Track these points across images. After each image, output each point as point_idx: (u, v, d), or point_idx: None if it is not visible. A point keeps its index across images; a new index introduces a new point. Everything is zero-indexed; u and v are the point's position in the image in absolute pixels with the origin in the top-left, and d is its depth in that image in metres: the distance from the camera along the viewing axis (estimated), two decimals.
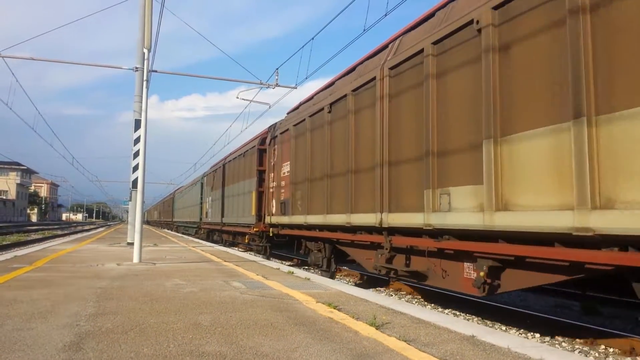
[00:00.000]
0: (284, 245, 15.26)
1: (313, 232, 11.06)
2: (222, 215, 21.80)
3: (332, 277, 10.82)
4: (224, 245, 20.77)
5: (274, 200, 13.78)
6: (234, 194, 19.49)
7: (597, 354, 5.85)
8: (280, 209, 12.98)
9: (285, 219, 12.59)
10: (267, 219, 14.29)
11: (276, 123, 14.50)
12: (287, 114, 13.87)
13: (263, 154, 15.92)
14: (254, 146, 16.60)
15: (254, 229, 15.76)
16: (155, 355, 3.37)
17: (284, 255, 18.60)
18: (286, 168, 12.71)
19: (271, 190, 14.04)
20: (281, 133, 13.27)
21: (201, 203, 29.10)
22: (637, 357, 5.67)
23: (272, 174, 14.05)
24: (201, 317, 4.67)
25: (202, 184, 29.12)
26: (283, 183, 12.90)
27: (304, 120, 11.59)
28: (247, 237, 17.36)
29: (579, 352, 5.93)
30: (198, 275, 8.29)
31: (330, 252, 10.78)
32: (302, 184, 11.49)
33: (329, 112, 10.13)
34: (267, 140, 14.90)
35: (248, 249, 19.88)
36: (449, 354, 3.55)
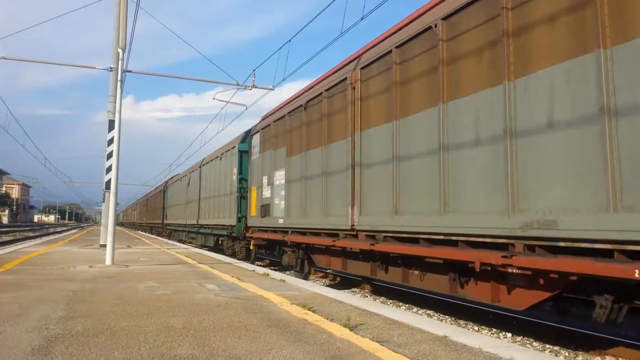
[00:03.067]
0: None
1: None
2: (361, 208, 8.11)
3: None
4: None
5: None
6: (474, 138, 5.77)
7: (567, 354, 5.96)
8: None
9: None
10: None
11: None
12: None
13: None
14: None
15: None
16: (126, 358, 3.32)
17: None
18: None
19: None
20: None
21: (239, 190, 15.78)
22: (606, 357, 5.80)
23: None
24: (173, 320, 4.62)
25: (240, 152, 15.95)
26: None
27: None
28: None
29: (550, 351, 6.04)
30: (172, 277, 8.20)
31: None
32: None
33: None
34: None
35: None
36: (422, 354, 3.58)
